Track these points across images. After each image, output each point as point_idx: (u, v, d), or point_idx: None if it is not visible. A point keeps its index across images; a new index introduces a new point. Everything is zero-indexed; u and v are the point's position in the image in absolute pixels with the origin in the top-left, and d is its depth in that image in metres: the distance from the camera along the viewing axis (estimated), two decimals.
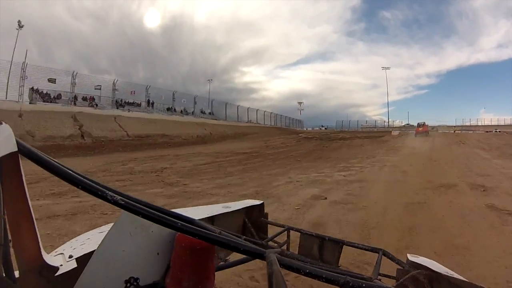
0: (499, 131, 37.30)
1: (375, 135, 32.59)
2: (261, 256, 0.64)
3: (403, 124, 56.20)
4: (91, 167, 9.47)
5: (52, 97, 23.14)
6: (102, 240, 0.75)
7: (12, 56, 24.08)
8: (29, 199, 0.65)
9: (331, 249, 1.38)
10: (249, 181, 7.33)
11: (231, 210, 1.41)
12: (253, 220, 1.56)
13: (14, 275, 0.60)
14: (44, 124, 16.69)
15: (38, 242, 0.69)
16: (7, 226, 0.59)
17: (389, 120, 59.06)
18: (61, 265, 0.78)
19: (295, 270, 0.61)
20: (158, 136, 20.63)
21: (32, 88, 22.88)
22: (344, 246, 1.36)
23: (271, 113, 47.93)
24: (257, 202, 1.64)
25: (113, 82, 27.78)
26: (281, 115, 51.86)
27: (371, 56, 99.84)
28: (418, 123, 34.62)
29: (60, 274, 0.75)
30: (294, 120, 56.26)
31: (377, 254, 1.21)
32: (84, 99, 25.38)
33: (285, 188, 6.33)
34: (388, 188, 6.26)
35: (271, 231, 1.53)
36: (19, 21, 28.35)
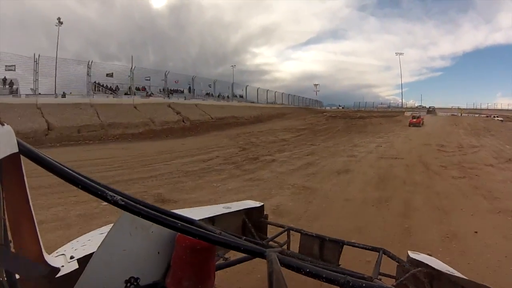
0: (497, 117, 36.00)
1: (390, 115, 37.77)
2: (262, 255, 0.65)
3: (415, 106, 57.05)
4: (218, 143, 13.93)
5: (112, 89, 26.34)
6: (103, 241, 0.75)
7: (56, 53, 25.58)
8: (30, 200, 0.64)
9: (331, 248, 1.42)
10: (336, 144, 13.97)
11: (231, 210, 1.45)
12: (253, 221, 1.58)
13: (15, 276, 0.60)
14: (157, 113, 22.22)
15: (39, 243, 0.68)
16: (8, 227, 0.59)
17: (403, 101, 59.77)
18: (63, 266, 0.79)
19: (295, 269, 0.61)
20: (229, 118, 26.66)
21: (95, 82, 25.69)
22: (344, 246, 1.38)
23: (288, 95, 49.84)
24: (257, 203, 1.67)
25: (165, 73, 30.23)
26: (299, 97, 53.83)
27: (383, 35, 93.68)
28: (413, 115, 32.12)
29: (62, 275, 0.75)
30: (313, 101, 58.54)
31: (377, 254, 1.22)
32: (138, 89, 28.25)
33: (362, 144, 13.56)
34: (403, 144, 13.53)
35: (272, 232, 1.57)
36: (58, 18, 29.46)
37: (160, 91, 30.04)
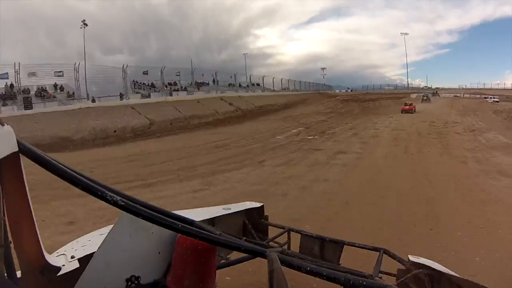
0: (494, 98, 35.87)
1: (397, 97, 42.07)
2: (262, 255, 0.66)
3: (421, 87, 57.15)
4: (279, 125, 19.11)
5: (148, 85, 29.87)
6: (103, 241, 0.76)
7: (84, 54, 27.72)
8: (29, 199, 0.65)
9: (331, 249, 1.43)
10: (362, 122, 19.75)
11: (231, 211, 1.45)
12: (254, 222, 1.59)
13: (16, 275, 0.61)
14: (215, 105, 27.10)
15: (39, 243, 0.68)
16: (8, 227, 0.59)
17: (408, 82, 58.41)
18: (63, 265, 0.80)
19: (296, 268, 0.62)
20: (266, 106, 32.42)
21: (133, 81, 28.93)
22: (344, 246, 1.39)
23: (300, 81, 51.43)
24: (257, 204, 1.67)
25: (191, 71, 34.45)
26: (310, 83, 54.74)
27: (388, 10, 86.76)
28: (405, 103, 31.47)
29: (63, 274, 0.77)
30: (323, 85, 58.34)
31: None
32: (170, 84, 32.03)
33: (379, 122, 19.78)
34: (407, 122, 19.73)
35: (273, 234, 1.58)
36: (83, 20, 30.66)
37: (189, 84, 34.36)
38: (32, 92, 23.51)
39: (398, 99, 39.24)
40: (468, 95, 43.52)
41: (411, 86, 58.62)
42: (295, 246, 1.55)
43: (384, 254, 1.28)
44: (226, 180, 7.20)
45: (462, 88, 49.69)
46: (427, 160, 9.09)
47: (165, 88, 31.53)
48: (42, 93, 24.08)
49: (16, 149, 0.59)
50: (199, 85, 35.45)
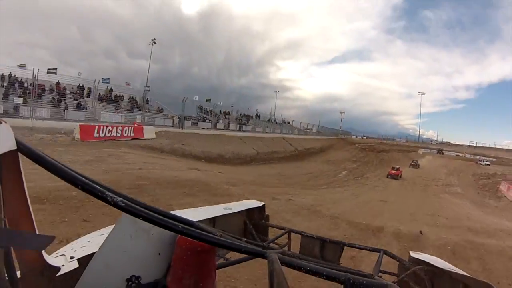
0: (486, 162, 39.16)
1: (406, 150, 50.56)
2: (262, 256, 0.66)
3: (432, 139, 61.57)
4: (327, 168, 29.85)
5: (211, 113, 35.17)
6: (103, 242, 0.76)
7: (148, 71, 33.17)
8: (28, 198, 0.65)
9: (332, 250, 1.44)
10: (384, 171, 31.06)
11: (232, 211, 1.45)
12: (254, 222, 1.59)
13: (16, 275, 0.61)
14: (282, 144, 34.46)
15: None
16: (7, 227, 0.59)
17: (421, 132, 62.83)
18: (63, 265, 0.80)
19: (296, 268, 0.62)
20: (311, 148, 39.55)
21: (200, 106, 34.38)
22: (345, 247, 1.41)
23: (323, 126, 56.52)
24: (258, 203, 1.67)
25: (231, 105, 39.77)
26: (332, 129, 59.63)
27: (408, 59, 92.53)
28: (392, 167, 31.86)
29: (62, 274, 0.76)
30: (340, 130, 63.27)
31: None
32: (225, 113, 37.90)
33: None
34: (410, 174, 32.06)
35: (274, 234, 1.60)
36: (153, 39, 35.39)
37: (236, 119, 39.48)
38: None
39: (408, 153, 48.18)
40: (469, 155, 46.61)
41: (423, 136, 63.84)
42: (295, 248, 1.57)
43: (384, 255, 1.29)
44: (347, 189, 19.21)
45: (468, 146, 53.56)
46: (417, 190, 21.66)
47: (235, 120, 39.21)
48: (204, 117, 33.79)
49: (14, 147, 0.59)
50: (247, 118, 41.65)
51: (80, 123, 18.58)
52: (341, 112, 65.80)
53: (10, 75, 24.74)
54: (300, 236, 1.56)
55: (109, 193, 0.61)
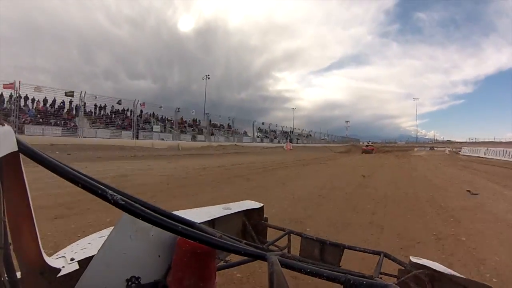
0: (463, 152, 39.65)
1: (405, 149, 56.23)
2: (263, 258, 0.65)
3: (431, 139, 64.48)
4: (365, 161, 21.56)
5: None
6: (103, 244, 0.77)
7: (204, 105, 36.50)
8: (30, 199, 0.64)
9: (332, 252, 1.43)
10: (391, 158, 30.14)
11: (231, 212, 1.44)
12: (253, 223, 1.57)
13: (16, 276, 0.61)
14: (326, 150, 42.53)
15: (39, 244, 0.69)
16: (8, 229, 0.59)
17: (423, 133, 67.14)
18: (63, 267, 0.80)
19: (296, 270, 0.62)
20: (342, 152, 45.20)
21: (210, 121, 36.68)
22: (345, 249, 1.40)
23: (333, 135, 63.33)
24: (257, 205, 1.64)
25: (253, 123, 42.59)
26: (341, 137, 65.91)
27: (405, 60, 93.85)
28: (366, 144, 48.57)
29: (62, 275, 0.77)
30: (348, 137, 70.41)
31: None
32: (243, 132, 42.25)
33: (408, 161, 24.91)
34: (402, 164, 20.51)
35: (272, 235, 1.56)
36: (207, 75, 40.75)
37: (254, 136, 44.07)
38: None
39: (406, 151, 53.20)
40: (455, 149, 49.55)
41: (426, 137, 68.10)
42: (295, 249, 1.54)
43: (385, 258, 1.27)
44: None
45: (468, 143, 55.49)
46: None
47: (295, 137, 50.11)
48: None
49: (16, 148, 0.59)
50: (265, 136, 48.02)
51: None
52: (347, 121, 71.79)
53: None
54: (300, 238, 1.55)
55: (110, 191, 0.60)
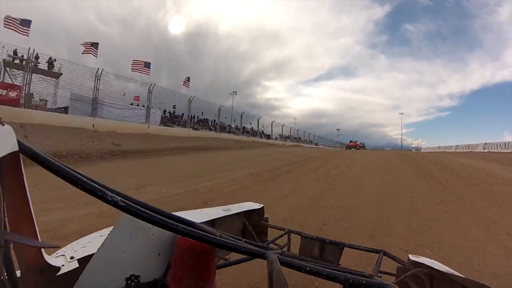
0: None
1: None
2: (262, 256, 0.66)
3: (419, 147, 64.13)
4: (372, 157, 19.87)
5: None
6: (103, 243, 0.76)
7: (231, 118, 30.80)
8: (29, 199, 0.64)
9: (331, 251, 1.44)
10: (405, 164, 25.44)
11: (232, 213, 1.45)
12: (254, 223, 1.59)
13: (15, 275, 0.60)
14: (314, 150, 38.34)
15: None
16: (7, 228, 0.59)
17: (408, 144, 66.26)
18: (63, 265, 0.80)
19: (296, 268, 0.62)
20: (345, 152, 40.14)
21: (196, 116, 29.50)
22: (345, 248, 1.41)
23: (327, 138, 60.38)
24: (257, 206, 1.66)
25: (241, 114, 33.89)
26: (332, 140, 64.13)
27: (392, 73, 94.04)
28: (350, 140, 48.19)
29: (62, 274, 0.77)
30: (337, 142, 66.96)
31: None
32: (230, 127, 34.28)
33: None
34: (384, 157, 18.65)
35: (272, 235, 1.57)
36: (234, 91, 37.27)
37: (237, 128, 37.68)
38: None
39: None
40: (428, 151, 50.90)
41: (412, 145, 68.65)
42: (295, 248, 1.56)
43: (384, 256, 1.29)
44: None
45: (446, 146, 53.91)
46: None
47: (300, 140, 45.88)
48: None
49: (16, 148, 0.59)
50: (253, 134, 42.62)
51: None
52: (338, 129, 73.93)
53: None
54: (299, 237, 1.55)
55: (109, 193, 0.60)
